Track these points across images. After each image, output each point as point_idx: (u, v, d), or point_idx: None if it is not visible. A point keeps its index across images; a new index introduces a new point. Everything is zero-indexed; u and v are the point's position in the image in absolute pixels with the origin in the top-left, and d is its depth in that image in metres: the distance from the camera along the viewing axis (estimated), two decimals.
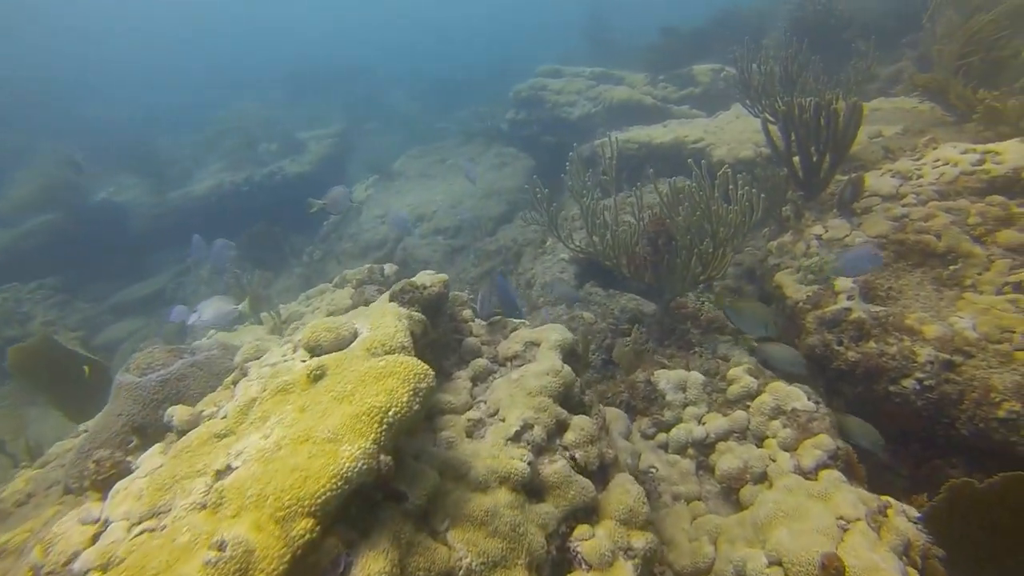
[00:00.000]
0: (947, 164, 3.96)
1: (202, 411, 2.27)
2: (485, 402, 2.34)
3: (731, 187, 3.59)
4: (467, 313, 2.79)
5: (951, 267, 3.44)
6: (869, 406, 3.20)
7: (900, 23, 7.91)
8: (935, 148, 4.27)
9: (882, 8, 8.11)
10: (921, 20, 7.34)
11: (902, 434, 3.18)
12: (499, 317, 2.81)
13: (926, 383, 3.03)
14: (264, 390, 1.97)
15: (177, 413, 2.23)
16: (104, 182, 13.50)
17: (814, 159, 4.18)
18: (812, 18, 7.96)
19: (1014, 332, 3.07)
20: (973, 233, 3.49)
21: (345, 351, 2.08)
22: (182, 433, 2.10)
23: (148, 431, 2.35)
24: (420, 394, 1.71)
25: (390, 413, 1.64)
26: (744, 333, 3.56)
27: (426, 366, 1.80)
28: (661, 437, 2.87)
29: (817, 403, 2.66)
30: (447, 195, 8.88)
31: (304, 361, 2.13)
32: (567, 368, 2.30)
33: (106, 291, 10.75)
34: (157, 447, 2.17)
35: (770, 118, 4.77)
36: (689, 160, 3.86)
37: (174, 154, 13.78)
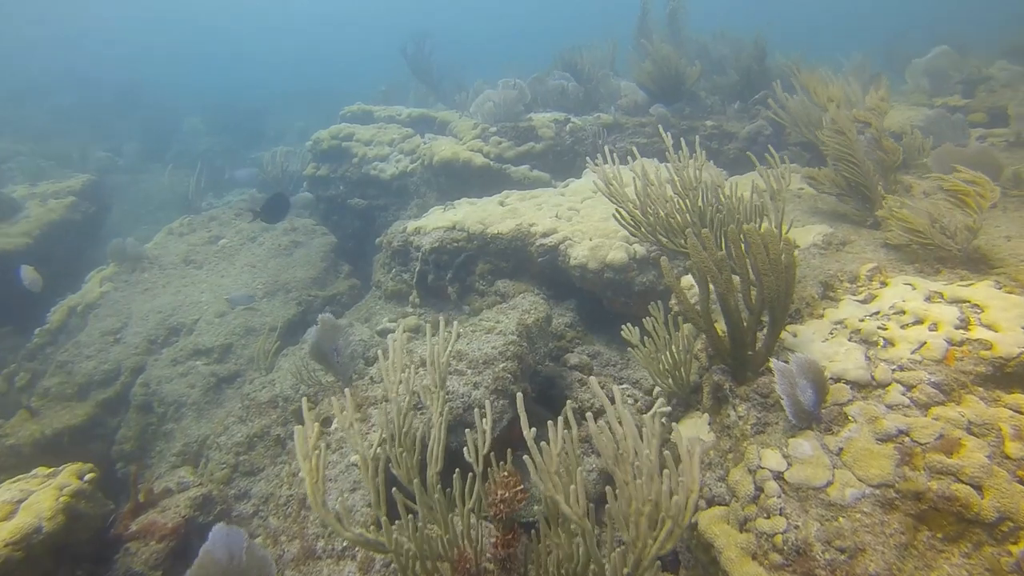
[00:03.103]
0: (920, 323, 2.63)
1: None
2: None
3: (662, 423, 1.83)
4: None
5: (1010, 546, 2.01)
6: None
7: (746, 78, 7.16)
8: (885, 284, 2.98)
9: (729, 65, 7.35)
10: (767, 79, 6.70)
11: None
12: None
13: None
14: None
15: None
16: None
17: (744, 322, 2.62)
18: (660, 71, 6.89)
19: None
20: (1018, 473, 2.12)
21: None
22: None
23: None
24: None
25: None
26: None
27: None
28: None
29: None
30: (215, 294, 6.26)
31: None
32: None
33: None
34: None
35: (664, 240, 3.19)
36: (593, 378, 2.05)
37: None
